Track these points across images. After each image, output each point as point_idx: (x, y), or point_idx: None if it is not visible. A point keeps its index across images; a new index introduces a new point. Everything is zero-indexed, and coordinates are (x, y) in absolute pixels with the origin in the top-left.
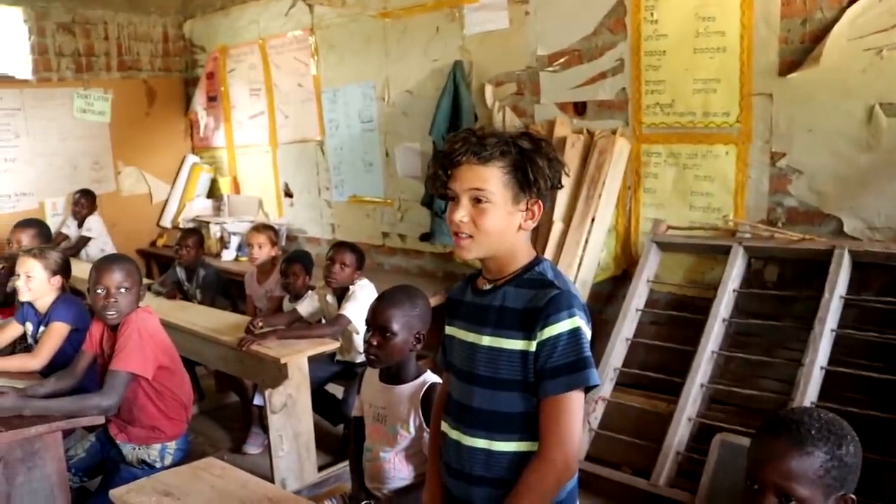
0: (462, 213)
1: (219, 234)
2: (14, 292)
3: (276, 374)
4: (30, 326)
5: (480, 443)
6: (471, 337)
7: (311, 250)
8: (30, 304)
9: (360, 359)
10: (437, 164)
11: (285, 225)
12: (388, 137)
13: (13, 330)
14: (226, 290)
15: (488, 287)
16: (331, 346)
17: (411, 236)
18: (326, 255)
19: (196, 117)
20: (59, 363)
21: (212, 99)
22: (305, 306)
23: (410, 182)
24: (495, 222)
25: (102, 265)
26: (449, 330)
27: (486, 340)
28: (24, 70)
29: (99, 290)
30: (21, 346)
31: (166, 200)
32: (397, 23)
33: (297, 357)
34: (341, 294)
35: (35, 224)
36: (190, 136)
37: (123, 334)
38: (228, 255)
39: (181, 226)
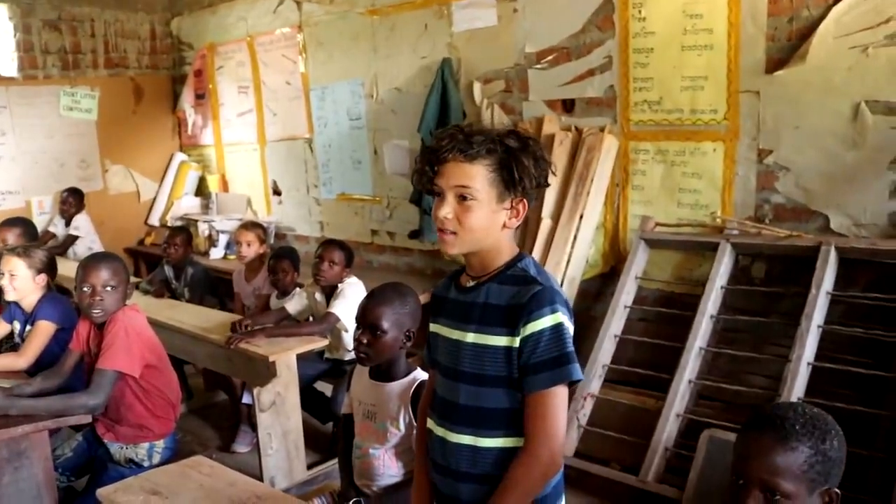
0: (447, 210)
1: (207, 233)
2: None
3: (265, 372)
4: (17, 325)
5: (466, 439)
6: (455, 334)
7: (299, 248)
8: (16, 303)
9: (349, 356)
10: (423, 159)
11: (274, 223)
12: (376, 135)
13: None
14: (214, 289)
15: (472, 284)
16: (319, 343)
17: (400, 234)
18: (315, 253)
19: (184, 115)
20: (45, 362)
21: (199, 97)
22: (294, 304)
23: (399, 179)
24: (479, 220)
25: (89, 263)
26: (433, 327)
27: (471, 337)
28: (9, 68)
29: (85, 289)
30: (7, 345)
31: (154, 199)
32: (385, 20)
33: (286, 355)
34: (330, 292)
35: (21, 223)
36: (178, 134)
37: (110, 333)
38: (217, 254)
39: (169, 224)
